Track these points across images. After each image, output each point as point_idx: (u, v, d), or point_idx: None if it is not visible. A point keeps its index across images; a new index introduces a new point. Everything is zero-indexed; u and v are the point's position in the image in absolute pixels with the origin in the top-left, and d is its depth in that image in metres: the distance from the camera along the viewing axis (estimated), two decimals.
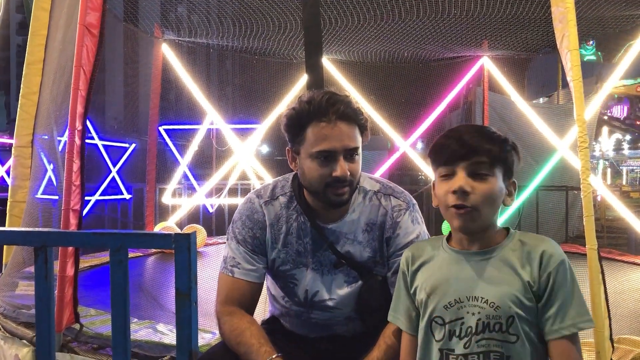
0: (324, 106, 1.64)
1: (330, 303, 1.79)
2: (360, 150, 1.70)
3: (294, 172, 1.88)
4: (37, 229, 1.32)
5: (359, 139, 1.69)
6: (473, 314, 1.34)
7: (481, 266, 1.37)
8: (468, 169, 1.36)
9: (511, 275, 1.34)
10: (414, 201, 1.85)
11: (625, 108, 22.13)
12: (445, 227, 7.02)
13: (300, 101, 1.69)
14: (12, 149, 3.84)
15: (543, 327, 1.33)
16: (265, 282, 1.85)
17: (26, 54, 3.75)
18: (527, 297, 1.32)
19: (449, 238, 1.47)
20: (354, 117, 1.67)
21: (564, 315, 1.31)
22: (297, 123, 1.68)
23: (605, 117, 20.54)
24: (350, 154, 1.67)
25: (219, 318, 1.76)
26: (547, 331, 1.32)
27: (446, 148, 1.39)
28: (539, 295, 1.32)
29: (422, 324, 1.42)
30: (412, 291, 1.47)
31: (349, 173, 1.66)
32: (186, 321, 1.18)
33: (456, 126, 1.48)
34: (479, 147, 1.36)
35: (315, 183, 1.69)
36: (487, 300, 1.33)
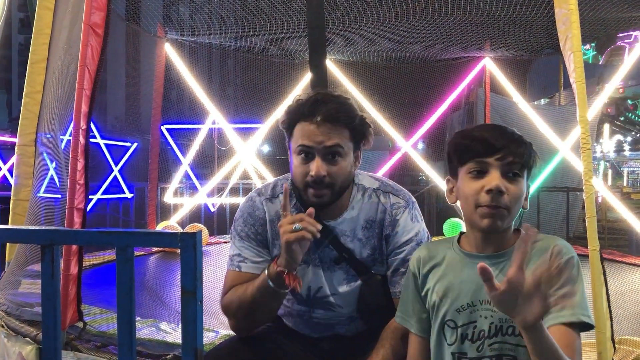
0: (310, 106, 1.66)
1: (332, 299, 1.79)
2: (345, 152, 1.68)
3: None
4: (44, 227, 1.32)
5: (345, 141, 1.68)
6: (486, 317, 1.33)
7: (493, 269, 1.33)
8: (502, 168, 1.33)
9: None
10: (413, 199, 1.85)
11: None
12: (447, 227, 7.02)
13: (295, 100, 1.73)
14: (16, 148, 3.85)
15: None
16: None
17: (30, 53, 3.76)
18: None
19: (459, 239, 1.46)
20: (342, 118, 1.66)
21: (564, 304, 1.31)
22: (288, 120, 1.72)
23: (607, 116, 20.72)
24: (330, 154, 1.66)
25: (223, 308, 1.77)
26: (546, 318, 1.31)
27: (480, 142, 1.35)
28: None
29: (435, 328, 1.41)
30: (423, 293, 1.45)
31: (324, 173, 1.65)
32: (191, 319, 1.19)
33: (480, 124, 1.46)
34: (514, 148, 1.34)
35: (297, 180, 1.71)
36: None
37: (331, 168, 1.66)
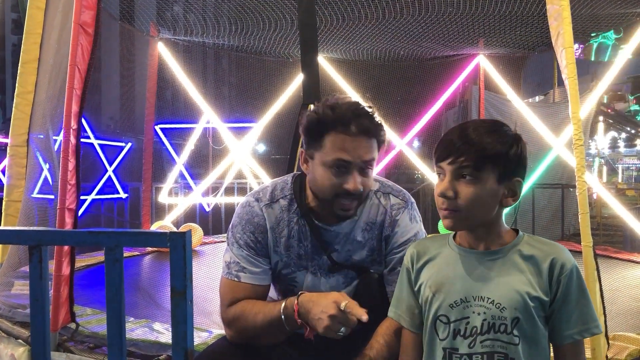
0: (348, 117, 1.61)
1: None
2: (374, 164, 1.68)
3: (294, 174, 1.87)
4: (31, 228, 1.31)
5: (376, 152, 1.67)
6: (479, 313, 1.33)
7: (489, 266, 1.36)
8: (454, 172, 1.34)
9: (518, 277, 1.33)
10: (412, 199, 1.84)
11: None
12: (442, 226, 7.03)
13: (324, 106, 1.66)
14: (8, 148, 3.83)
15: (554, 332, 1.34)
16: None
17: (21, 53, 3.74)
18: (534, 299, 1.31)
19: (455, 235, 1.46)
20: (375, 132, 1.65)
21: (575, 322, 1.32)
22: (317, 128, 1.65)
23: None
24: (364, 167, 1.65)
25: (226, 320, 1.74)
26: (558, 336, 1.33)
27: (439, 147, 1.38)
28: (549, 300, 1.32)
29: (427, 323, 1.41)
30: (416, 288, 1.45)
31: (361, 187, 1.64)
32: (182, 320, 1.18)
33: (461, 123, 1.42)
34: (464, 149, 1.32)
35: (326, 191, 1.67)
36: (493, 300, 1.32)
37: (363, 180, 1.66)
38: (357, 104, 1.67)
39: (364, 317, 1.47)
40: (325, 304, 1.52)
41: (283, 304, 1.61)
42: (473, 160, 1.31)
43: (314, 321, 1.53)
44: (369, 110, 1.67)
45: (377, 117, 1.68)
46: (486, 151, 1.31)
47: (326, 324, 1.50)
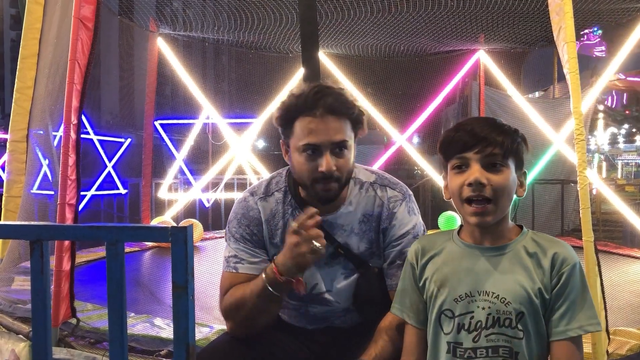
0: (311, 99, 1.62)
1: (328, 296, 1.78)
2: (350, 144, 1.67)
3: (289, 167, 1.87)
4: (32, 223, 1.30)
5: (349, 133, 1.66)
6: (483, 308, 1.34)
7: (493, 261, 1.37)
8: (482, 161, 1.35)
9: (523, 272, 1.34)
10: (410, 192, 1.84)
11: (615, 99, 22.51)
12: (442, 221, 7.03)
13: (290, 94, 1.68)
14: (7, 144, 3.82)
15: (549, 327, 1.33)
16: None
17: (20, 48, 3.73)
18: (538, 294, 1.31)
19: (459, 231, 1.46)
20: (343, 110, 1.64)
21: (571, 317, 1.31)
22: (286, 116, 1.67)
23: (601, 107, 20.73)
24: (337, 148, 1.64)
25: (222, 311, 1.74)
26: (553, 332, 1.32)
27: (458, 139, 1.37)
28: (549, 295, 1.32)
29: (432, 317, 1.41)
30: (420, 284, 1.46)
31: (334, 168, 1.63)
32: (183, 314, 1.17)
33: (466, 119, 1.46)
34: (492, 138, 1.34)
35: (304, 177, 1.68)
36: (498, 295, 1.33)
37: (338, 162, 1.65)
38: (322, 85, 1.67)
39: (311, 211, 1.54)
40: (288, 242, 1.55)
41: (263, 273, 1.61)
42: (503, 149, 1.35)
43: (297, 263, 1.54)
44: (337, 89, 1.66)
45: (348, 95, 1.67)
46: (511, 141, 1.36)
47: (300, 252, 1.52)
